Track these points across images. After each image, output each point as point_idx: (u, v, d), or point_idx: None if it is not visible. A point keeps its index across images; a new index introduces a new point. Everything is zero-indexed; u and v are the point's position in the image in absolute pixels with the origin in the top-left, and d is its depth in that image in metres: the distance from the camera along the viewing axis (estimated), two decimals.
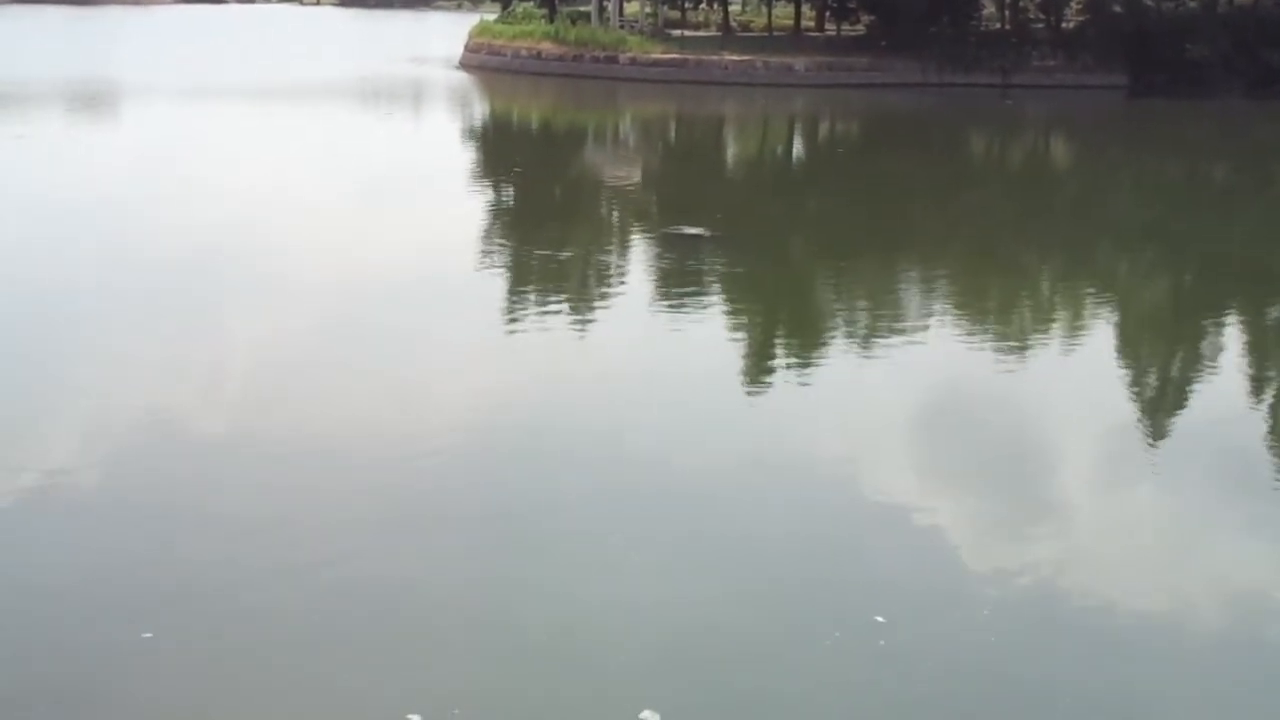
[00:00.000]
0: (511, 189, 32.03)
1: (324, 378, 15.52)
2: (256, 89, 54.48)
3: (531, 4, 77.10)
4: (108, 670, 9.13)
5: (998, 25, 69.53)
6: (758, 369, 16.82)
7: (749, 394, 15.83)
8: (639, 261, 22.89)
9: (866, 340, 18.10)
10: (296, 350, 16.72)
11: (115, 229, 24.16)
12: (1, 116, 41.25)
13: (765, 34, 71.74)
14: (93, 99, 49.24)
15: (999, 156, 45.24)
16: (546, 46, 64.89)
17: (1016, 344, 18.43)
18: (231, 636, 9.57)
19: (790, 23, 72.59)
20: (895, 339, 18.12)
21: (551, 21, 70.05)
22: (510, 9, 78.15)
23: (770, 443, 14.00)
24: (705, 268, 22.40)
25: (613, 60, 62.23)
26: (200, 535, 11.22)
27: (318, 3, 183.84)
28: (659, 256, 23.04)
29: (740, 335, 18.45)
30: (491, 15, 79.51)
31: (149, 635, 9.48)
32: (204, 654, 9.33)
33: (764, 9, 75.99)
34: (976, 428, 14.85)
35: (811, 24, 74.05)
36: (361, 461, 12.94)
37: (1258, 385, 17.02)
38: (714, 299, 20.18)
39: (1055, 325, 19.96)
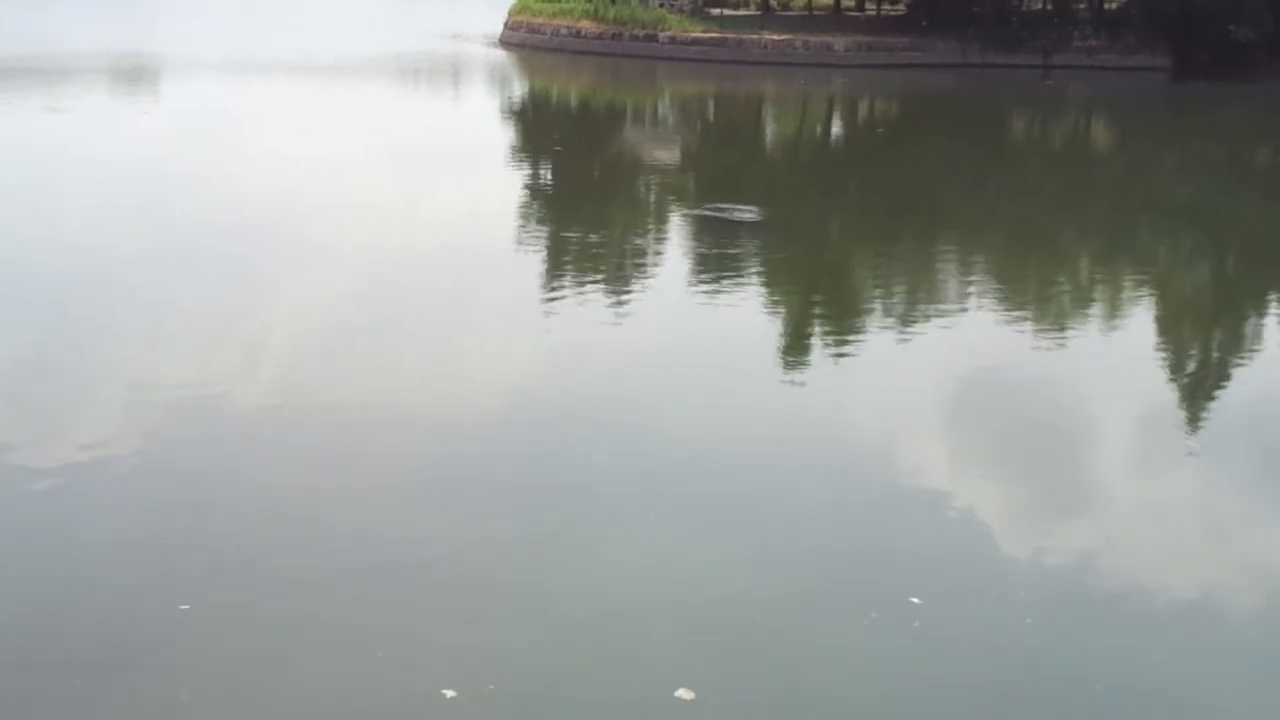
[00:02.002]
0: (550, 167, 31.98)
1: (363, 352, 15.55)
2: (295, 65, 54.60)
3: None
4: (145, 642, 9.17)
5: (1040, 5, 68.75)
6: (794, 350, 16.73)
7: (785, 374, 15.75)
8: (676, 241, 22.82)
9: (904, 322, 17.97)
10: (336, 324, 16.75)
11: (158, 200, 24.27)
12: (46, 91, 41.54)
13: (805, 13, 71.20)
14: (134, 74, 49.49)
15: (1040, 138, 44.75)
16: (586, 25, 64.67)
17: (1055, 327, 18.25)
18: (267, 609, 9.60)
19: (830, 2, 72.04)
20: (933, 321, 17.99)
21: (590, 0, 69.76)
22: None
23: (807, 423, 13.93)
24: (743, 248, 22.30)
25: (652, 39, 61.96)
26: (238, 506, 11.27)
27: None
28: (696, 237, 22.96)
29: (777, 316, 18.36)
30: None
31: (186, 607, 9.53)
32: (240, 627, 9.37)
33: None
34: (1014, 410, 14.72)
35: (851, 4, 73.44)
36: (399, 433, 12.96)
37: None
38: (751, 280, 20.09)
39: (1094, 308, 19.76)
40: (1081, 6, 66.66)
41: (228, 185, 26.20)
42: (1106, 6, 65.95)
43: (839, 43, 60.85)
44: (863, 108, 51.93)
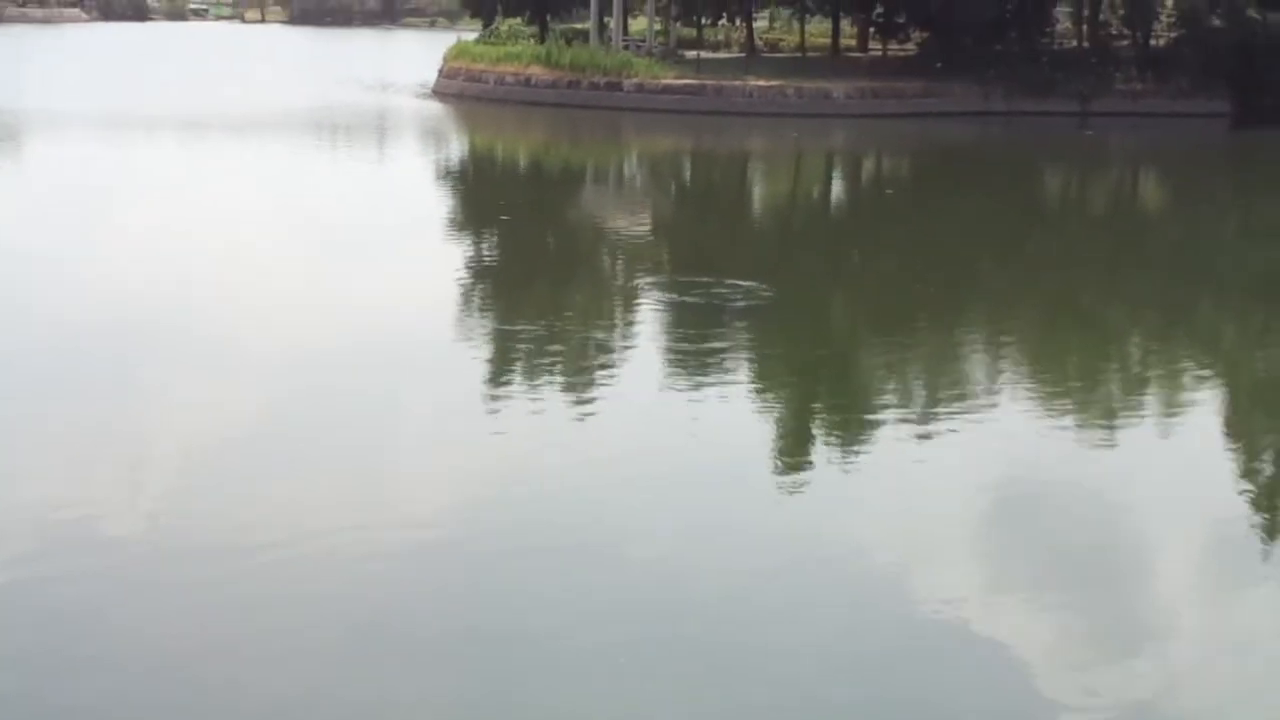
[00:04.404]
0: (495, 241, 32.22)
1: (266, 475, 15.51)
2: (189, 120, 55.00)
3: (519, 21, 78.05)
4: None
5: (1074, 43, 70.24)
6: (792, 457, 16.79)
7: (782, 487, 15.81)
8: (648, 330, 22.96)
9: (923, 422, 18.09)
10: (234, 435, 16.73)
11: (17, 287, 24.27)
12: None
13: (797, 55, 72.48)
14: None
15: (1079, 198, 45.46)
16: (537, 71, 65.58)
17: (1103, 425, 18.40)
18: None
19: (827, 41, 73.37)
20: (957, 420, 18.11)
21: (542, 41, 70.82)
22: (493, 27, 79.11)
23: (808, 545, 13.97)
24: (728, 338, 22.45)
25: (616, 87, 62.84)
26: (116, 664, 11.17)
27: (263, 20, 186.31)
28: (673, 325, 23.11)
29: (771, 417, 18.46)
30: (470, 34, 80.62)
31: None
32: None
33: (795, 25, 76.89)
34: (1056, 525, 14.79)
35: (852, 43, 74.81)
36: (312, 573, 12.90)
37: None
38: (738, 375, 20.21)
39: (1149, 402, 19.95)
40: (1124, 44, 68.06)
41: (101, 271, 26.21)
42: (1154, 43, 67.38)
43: (838, 89, 61.86)
44: (868, 165, 52.70)
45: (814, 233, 37.22)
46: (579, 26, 75.98)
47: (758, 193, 45.84)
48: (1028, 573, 13.57)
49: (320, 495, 14.79)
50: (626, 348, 21.81)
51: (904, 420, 18.21)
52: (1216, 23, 63.02)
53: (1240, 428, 18.84)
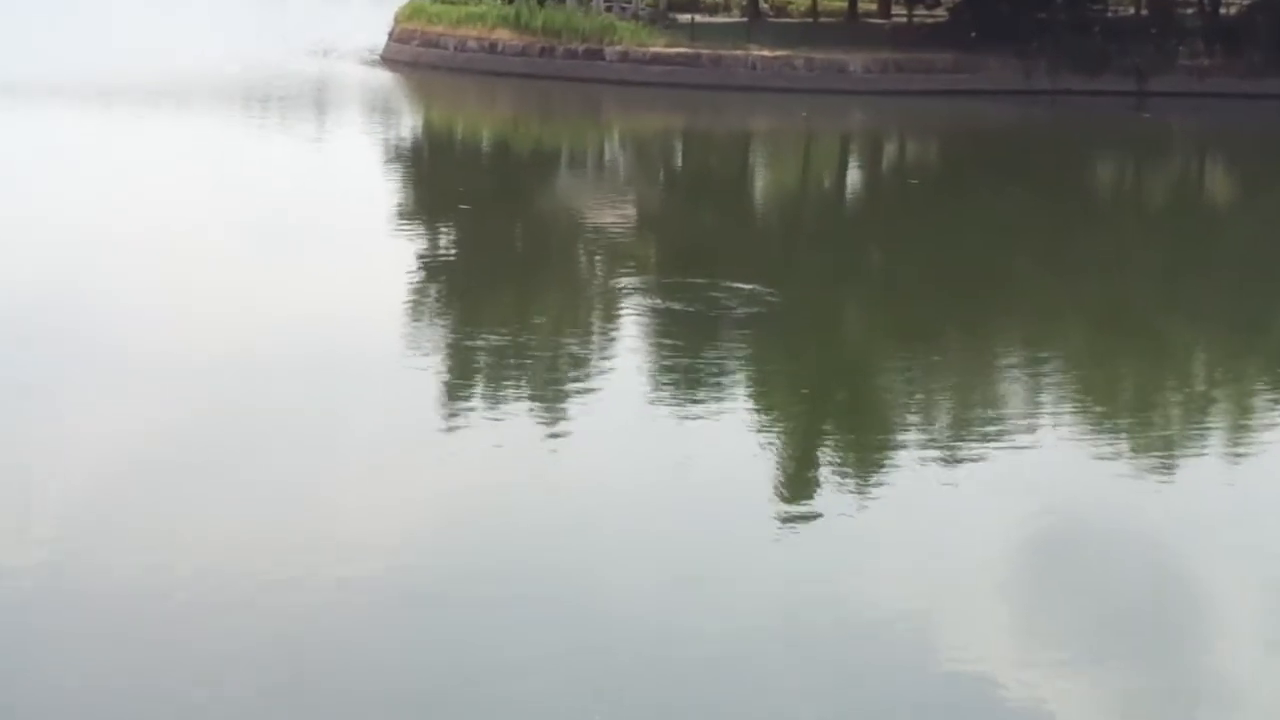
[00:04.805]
0: (453, 236, 32.19)
1: (184, 506, 15.49)
2: (99, 87, 54.77)
3: None
4: None
5: (1131, 11, 70.38)
6: (796, 491, 16.83)
7: (783, 525, 15.85)
8: (629, 339, 22.96)
9: (949, 452, 18.12)
10: (151, 456, 16.75)
11: None
12: None
13: (808, 21, 72.58)
14: None
15: (1133, 192, 45.55)
16: (504, 35, 65.49)
17: (1159, 459, 18.44)
18: None
19: (843, 5, 73.51)
20: (989, 451, 18.16)
21: (511, 2, 70.81)
22: None
23: (813, 594, 13.99)
24: (725, 350, 22.47)
25: (596, 55, 62.82)
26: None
27: None
28: (660, 335, 23.12)
29: (773, 446, 18.48)
30: None
31: None
32: None
33: None
34: (1102, 577, 14.82)
35: (873, 7, 74.93)
36: (236, 622, 12.90)
37: None
38: (735, 393, 20.23)
39: (1212, 433, 19.98)
40: (1189, 12, 68.13)
41: (4, 264, 26.16)
42: (1223, 11, 67.47)
43: (855, 61, 61.83)
44: (889, 150, 52.82)
45: (825, 229, 37.24)
46: None
47: (761, 181, 45.87)
48: (1069, 629, 13.60)
49: (242, 534, 14.75)
50: (606, 362, 21.79)
51: (927, 451, 18.24)
52: None
53: None
